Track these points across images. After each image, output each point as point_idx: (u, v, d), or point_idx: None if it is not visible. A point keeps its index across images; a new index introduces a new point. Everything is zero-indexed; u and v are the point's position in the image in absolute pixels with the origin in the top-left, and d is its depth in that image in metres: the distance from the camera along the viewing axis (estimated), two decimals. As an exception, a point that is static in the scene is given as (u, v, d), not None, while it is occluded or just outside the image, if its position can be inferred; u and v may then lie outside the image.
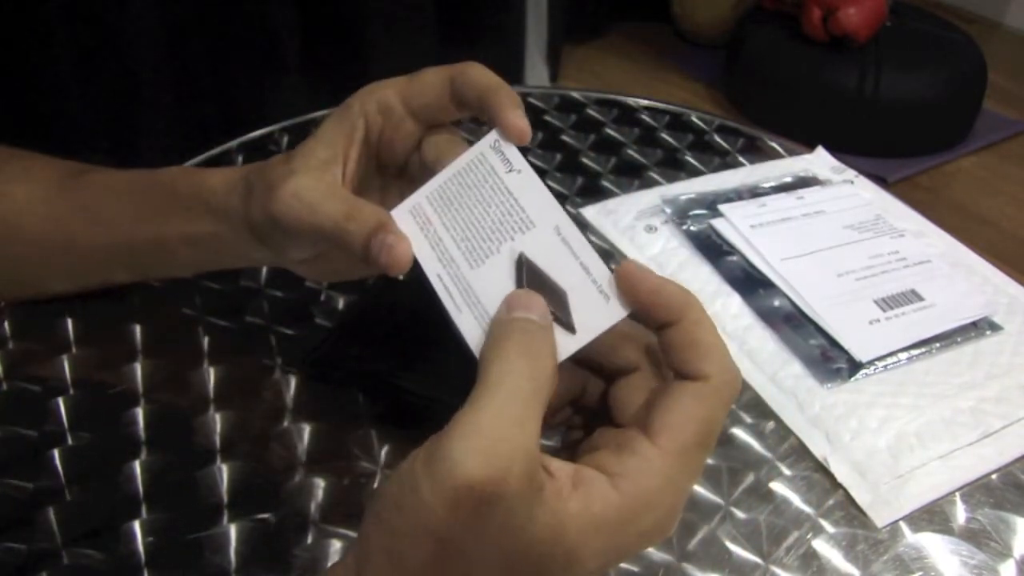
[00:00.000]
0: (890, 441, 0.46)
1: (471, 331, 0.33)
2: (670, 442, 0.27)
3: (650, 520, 0.27)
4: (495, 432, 0.26)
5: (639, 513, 0.27)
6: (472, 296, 0.33)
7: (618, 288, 0.30)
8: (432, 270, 0.35)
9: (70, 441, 0.45)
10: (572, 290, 0.32)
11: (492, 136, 0.36)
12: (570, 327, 0.31)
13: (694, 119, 0.75)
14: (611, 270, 0.31)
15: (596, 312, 0.31)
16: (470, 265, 0.34)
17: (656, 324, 0.30)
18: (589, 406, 0.34)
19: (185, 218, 0.43)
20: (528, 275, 0.33)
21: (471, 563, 0.26)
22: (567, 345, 0.31)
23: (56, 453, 0.44)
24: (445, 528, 0.26)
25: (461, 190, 0.35)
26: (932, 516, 0.43)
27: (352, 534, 0.41)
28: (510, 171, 0.35)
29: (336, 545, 0.41)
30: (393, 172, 0.41)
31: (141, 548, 0.40)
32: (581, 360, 0.32)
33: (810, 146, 0.71)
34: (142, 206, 0.44)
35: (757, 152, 0.71)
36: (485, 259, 0.34)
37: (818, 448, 0.46)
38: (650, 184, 0.67)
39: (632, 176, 0.68)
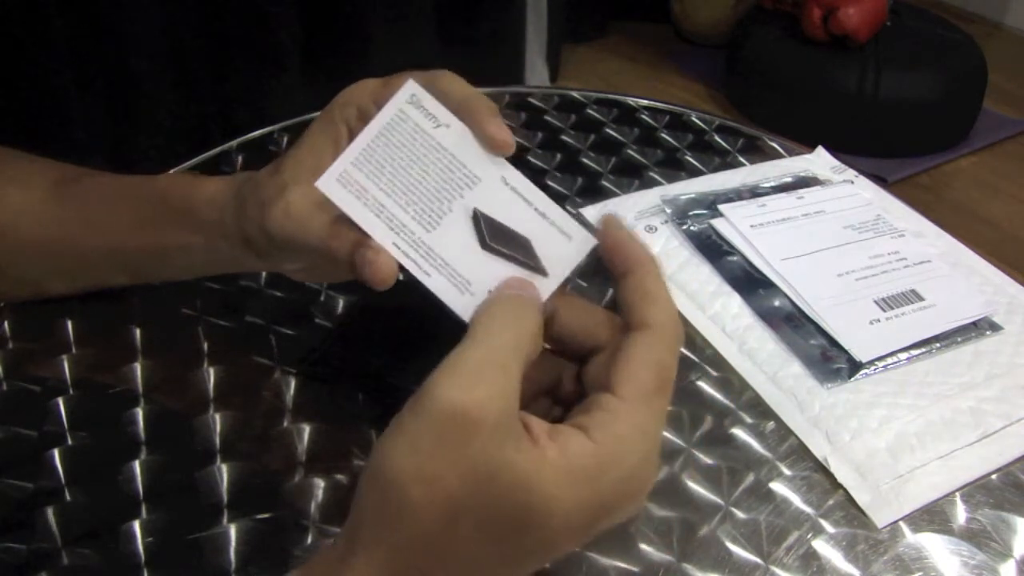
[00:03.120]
0: (890, 441, 0.46)
1: (447, 293, 0.34)
2: (630, 390, 0.30)
3: (626, 468, 0.29)
4: (477, 371, 0.28)
5: (613, 459, 0.29)
6: (437, 259, 0.34)
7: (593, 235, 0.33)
8: (385, 239, 0.34)
9: (70, 441, 0.45)
10: (534, 236, 0.34)
11: (408, 90, 0.35)
12: (542, 271, 0.33)
13: (694, 119, 0.75)
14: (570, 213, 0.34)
15: (562, 252, 0.34)
16: (425, 229, 0.34)
17: (616, 273, 0.32)
18: (566, 397, 0.34)
19: (178, 228, 0.43)
20: (488, 228, 0.34)
21: (457, 508, 0.27)
22: (544, 287, 0.33)
23: (56, 453, 0.44)
24: (430, 464, 0.27)
25: (389, 151, 0.35)
26: (932, 516, 0.43)
27: (352, 534, 0.41)
28: (438, 126, 0.35)
29: (336, 545, 0.41)
30: None
31: (141, 548, 0.40)
32: (556, 345, 0.34)
33: (810, 146, 0.71)
34: (136, 215, 0.45)
35: (757, 152, 0.71)
36: (439, 220, 0.34)
37: (818, 448, 0.46)
38: (650, 184, 0.67)
39: (632, 176, 0.68)
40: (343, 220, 0.35)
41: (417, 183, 0.34)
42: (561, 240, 0.34)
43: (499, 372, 0.28)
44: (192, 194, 0.42)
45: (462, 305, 0.33)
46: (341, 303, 0.54)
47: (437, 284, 0.34)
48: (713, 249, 0.59)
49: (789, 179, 0.66)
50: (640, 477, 0.30)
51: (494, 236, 0.34)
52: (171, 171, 0.65)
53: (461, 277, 0.33)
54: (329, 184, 0.35)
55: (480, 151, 0.35)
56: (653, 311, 0.31)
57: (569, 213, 0.35)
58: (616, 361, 0.30)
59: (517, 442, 0.28)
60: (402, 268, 0.34)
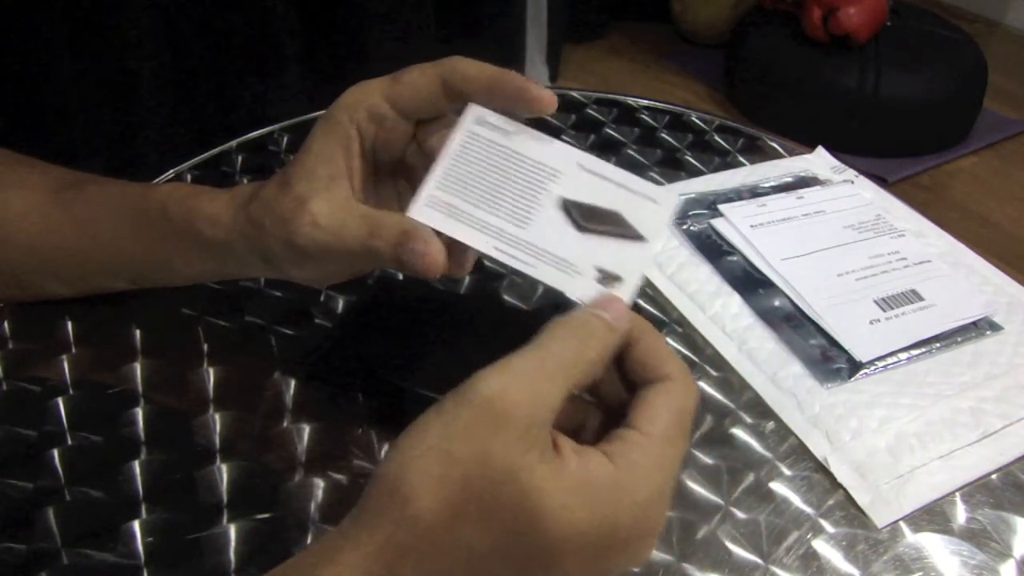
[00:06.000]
0: (890, 441, 0.46)
1: (555, 278, 0.35)
2: (653, 428, 0.30)
3: (640, 497, 0.29)
4: (524, 373, 0.29)
5: (629, 485, 0.29)
6: (538, 250, 0.36)
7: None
8: (485, 245, 0.36)
9: (70, 441, 0.45)
10: (622, 208, 0.36)
11: (473, 112, 0.37)
12: (639, 236, 0.36)
13: (694, 119, 0.75)
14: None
15: (651, 214, 0.36)
16: (519, 227, 0.36)
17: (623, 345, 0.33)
18: (586, 441, 0.34)
19: (180, 242, 0.43)
20: (578, 212, 0.36)
21: (467, 500, 0.27)
22: (646, 250, 0.36)
23: (56, 453, 0.44)
24: (456, 448, 0.27)
25: (468, 167, 0.37)
26: (932, 516, 0.43)
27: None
28: (508, 135, 0.37)
29: (336, 545, 0.41)
30: (387, 168, 0.41)
31: (141, 548, 0.40)
32: (591, 390, 0.34)
33: (810, 146, 0.71)
34: (138, 227, 0.44)
35: (757, 152, 0.71)
36: (530, 215, 0.36)
37: (818, 448, 0.46)
38: (650, 184, 0.67)
39: (632, 176, 0.67)
40: (374, 219, 0.37)
41: (501, 189, 0.37)
42: (647, 204, 0.36)
43: (545, 381, 0.29)
44: (192, 211, 0.42)
45: (572, 286, 0.35)
46: (341, 303, 0.54)
47: (544, 273, 0.36)
48: (713, 249, 0.59)
49: (789, 179, 0.66)
50: (651, 512, 0.30)
51: (586, 217, 0.36)
52: (171, 171, 0.65)
53: (564, 261, 0.35)
54: (420, 211, 0.37)
55: (552, 145, 0.37)
56: (672, 367, 0.32)
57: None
58: (638, 405, 0.31)
59: (543, 451, 0.28)
60: (503, 265, 0.36)
